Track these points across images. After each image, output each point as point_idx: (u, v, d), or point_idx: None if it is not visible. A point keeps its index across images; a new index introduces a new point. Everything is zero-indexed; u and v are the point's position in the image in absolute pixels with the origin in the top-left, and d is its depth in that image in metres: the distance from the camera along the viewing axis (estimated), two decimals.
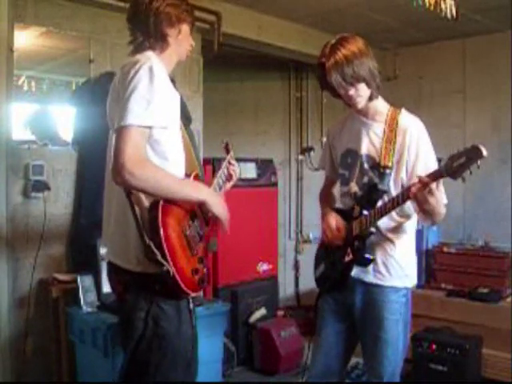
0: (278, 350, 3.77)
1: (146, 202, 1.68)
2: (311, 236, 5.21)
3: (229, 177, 2.13)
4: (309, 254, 5.19)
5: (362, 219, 2.01)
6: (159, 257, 1.60)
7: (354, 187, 2.09)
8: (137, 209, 1.67)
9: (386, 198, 1.99)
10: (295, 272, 5.23)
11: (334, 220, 2.14)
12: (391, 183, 2.01)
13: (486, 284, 3.83)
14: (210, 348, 2.84)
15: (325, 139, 2.33)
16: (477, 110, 4.48)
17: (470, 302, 3.72)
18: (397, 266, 2.04)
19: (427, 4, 2.83)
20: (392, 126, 2.00)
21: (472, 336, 3.50)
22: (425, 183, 1.74)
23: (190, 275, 1.72)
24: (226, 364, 3.48)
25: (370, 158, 2.05)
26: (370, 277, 2.05)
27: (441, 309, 3.73)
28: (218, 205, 1.81)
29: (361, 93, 1.98)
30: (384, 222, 2.01)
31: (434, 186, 1.74)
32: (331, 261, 2.15)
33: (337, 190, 2.28)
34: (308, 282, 5.08)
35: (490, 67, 4.38)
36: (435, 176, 1.74)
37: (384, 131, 2.01)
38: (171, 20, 1.81)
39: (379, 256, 2.04)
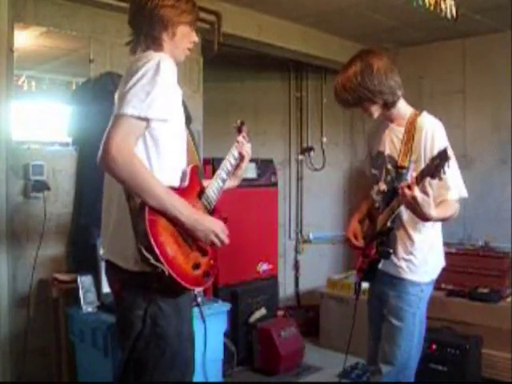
0: (278, 349, 3.77)
1: (138, 205, 1.66)
2: (311, 236, 5.21)
3: (240, 157, 2.09)
4: (309, 254, 5.20)
5: (383, 216, 2.17)
6: (152, 260, 1.60)
7: (382, 185, 2.27)
8: (133, 213, 1.67)
9: None
10: (295, 272, 5.23)
11: (352, 232, 2.37)
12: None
13: (486, 284, 3.83)
14: (210, 348, 2.84)
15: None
16: (477, 110, 4.48)
17: (470, 302, 3.73)
18: (416, 262, 2.19)
19: (427, 4, 2.83)
20: (411, 128, 2.16)
21: (472, 336, 3.50)
22: (410, 184, 1.91)
23: (191, 270, 1.71)
24: (226, 364, 3.48)
25: (391, 158, 2.23)
26: (391, 269, 2.21)
27: (441, 309, 3.73)
28: (202, 233, 1.74)
29: (366, 108, 2.20)
30: (407, 217, 2.15)
31: (415, 188, 1.89)
32: (364, 254, 2.32)
33: (373, 188, 2.41)
34: (308, 282, 5.09)
35: (489, 67, 4.38)
36: (420, 175, 1.91)
37: (404, 133, 2.18)
38: (163, 23, 1.80)
39: (400, 251, 2.19)
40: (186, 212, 1.70)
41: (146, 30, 1.80)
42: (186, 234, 1.74)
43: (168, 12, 1.79)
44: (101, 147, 1.60)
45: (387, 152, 2.25)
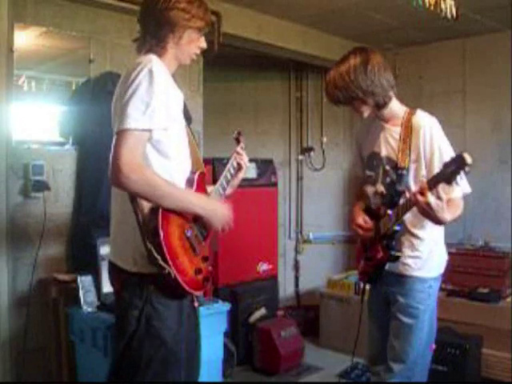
0: (278, 349, 3.77)
1: (147, 206, 1.69)
2: (311, 236, 5.21)
3: (238, 167, 2.13)
4: (309, 254, 5.20)
5: (387, 218, 2.12)
6: (160, 261, 1.62)
7: (380, 187, 2.22)
8: (139, 214, 1.68)
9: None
10: (295, 272, 5.22)
11: (361, 217, 2.27)
12: (411, 183, 2.12)
13: (486, 284, 3.83)
14: (210, 348, 2.84)
15: (354, 146, 2.52)
16: (477, 109, 4.48)
17: (470, 301, 3.73)
18: (423, 257, 2.16)
19: (427, 4, 2.83)
20: (407, 128, 2.13)
21: (472, 336, 3.50)
22: (422, 190, 1.86)
23: (193, 275, 1.74)
24: (226, 364, 3.48)
25: (389, 159, 2.18)
26: (398, 268, 2.17)
27: (441, 309, 3.70)
28: (217, 220, 1.81)
29: (357, 107, 2.16)
30: (410, 219, 2.11)
31: (428, 194, 1.83)
32: (367, 257, 2.28)
33: (369, 190, 2.36)
34: (308, 282, 5.09)
35: (489, 67, 4.38)
36: (434, 181, 1.84)
37: (400, 133, 2.14)
38: (170, 26, 1.77)
39: (407, 250, 2.17)
40: (202, 204, 1.79)
41: (153, 30, 1.79)
42: (195, 237, 1.79)
43: (177, 15, 1.77)
44: (110, 166, 1.61)
45: (384, 153, 2.20)
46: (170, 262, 1.63)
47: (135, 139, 1.62)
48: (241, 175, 2.15)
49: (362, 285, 2.48)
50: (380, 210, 2.19)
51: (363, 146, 2.34)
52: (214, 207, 1.84)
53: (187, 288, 1.69)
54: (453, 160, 1.76)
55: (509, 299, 3.74)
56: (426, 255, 2.17)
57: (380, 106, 2.16)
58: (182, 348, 1.79)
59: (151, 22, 1.79)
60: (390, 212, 2.11)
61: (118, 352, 1.79)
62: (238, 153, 2.14)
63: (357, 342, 2.48)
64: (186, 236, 1.75)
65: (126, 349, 1.74)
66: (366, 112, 2.18)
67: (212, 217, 1.80)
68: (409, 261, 2.16)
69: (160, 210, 1.66)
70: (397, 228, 2.11)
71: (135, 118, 1.62)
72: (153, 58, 1.74)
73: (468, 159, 1.71)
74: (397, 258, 2.14)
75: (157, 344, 1.72)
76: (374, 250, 2.21)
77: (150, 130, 1.66)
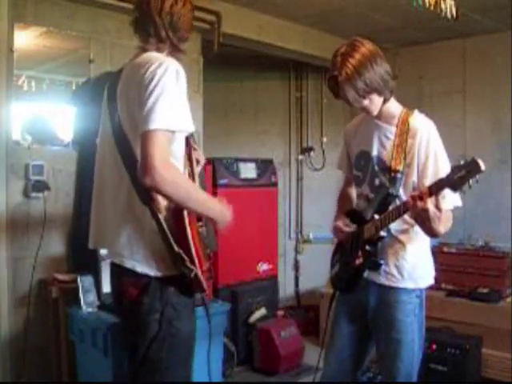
0: (278, 349, 3.77)
1: (166, 208, 1.66)
2: (311, 236, 5.22)
3: (196, 162, 2.09)
4: (309, 254, 5.20)
5: (373, 223, 1.98)
6: (188, 263, 1.62)
7: (366, 189, 2.09)
8: (161, 216, 1.64)
9: (397, 203, 1.97)
10: (295, 272, 5.23)
11: (341, 220, 2.17)
12: (401, 187, 1.98)
13: (486, 284, 3.83)
14: (210, 348, 2.83)
15: (342, 140, 2.32)
16: (477, 109, 4.48)
17: (470, 301, 3.73)
18: (409, 268, 2.01)
19: (427, 4, 2.83)
20: (403, 129, 1.98)
21: (472, 336, 3.50)
22: (421, 194, 1.73)
23: (206, 273, 1.75)
24: (226, 364, 3.48)
25: (380, 160, 2.03)
26: (382, 279, 2.03)
27: (441, 309, 3.73)
28: (222, 221, 1.79)
29: (374, 102, 1.98)
30: (395, 225, 1.98)
31: (428, 200, 1.71)
32: (344, 262, 2.15)
33: (354, 190, 2.26)
34: (308, 282, 5.09)
35: (489, 67, 4.38)
36: (437, 186, 1.71)
37: (395, 134, 2.00)
38: (186, 37, 1.81)
39: (391, 258, 2.01)
40: (217, 208, 1.77)
41: (169, 35, 1.77)
42: (204, 234, 1.79)
43: (187, 25, 1.80)
44: (141, 166, 1.56)
45: (375, 153, 2.04)
46: (197, 264, 1.63)
47: (166, 139, 1.60)
48: (199, 169, 2.12)
49: (333, 293, 2.26)
50: (366, 213, 2.04)
51: (352, 143, 2.20)
52: (222, 209, 1.81)
53: (205, 287, 1.70)
54: (464, 165, 1.63)
55: (509, 299, 3.74)
56: (412, 265, 2.01)
57: (388, 98, 1.99)
58: (194, 345, 1.81)
59: (169, 29, 1.77)
60: (377, 217, 1.97)
61: (138, 356, 1.75)
62: (194, 149, 2.14)
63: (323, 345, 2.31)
64: (202, 234, 1.75)
65: (147, 351, 1.72)
66: (377, 109, 1.99)
67: (219, 218, 1.78)
68: (394, 271, 2.01)
69: (185, 212, 1.64)
70: (383, 234, 1.97)
71: (165, 118, 1.59)
72: (172, 59, 1.72)
73: (482, 166, 1.60)
74: (379, 266, 1.99)
75: (176, 343, 1.73)
76: (353, 255, 2.06)
77: (175, 132, 1.64)
